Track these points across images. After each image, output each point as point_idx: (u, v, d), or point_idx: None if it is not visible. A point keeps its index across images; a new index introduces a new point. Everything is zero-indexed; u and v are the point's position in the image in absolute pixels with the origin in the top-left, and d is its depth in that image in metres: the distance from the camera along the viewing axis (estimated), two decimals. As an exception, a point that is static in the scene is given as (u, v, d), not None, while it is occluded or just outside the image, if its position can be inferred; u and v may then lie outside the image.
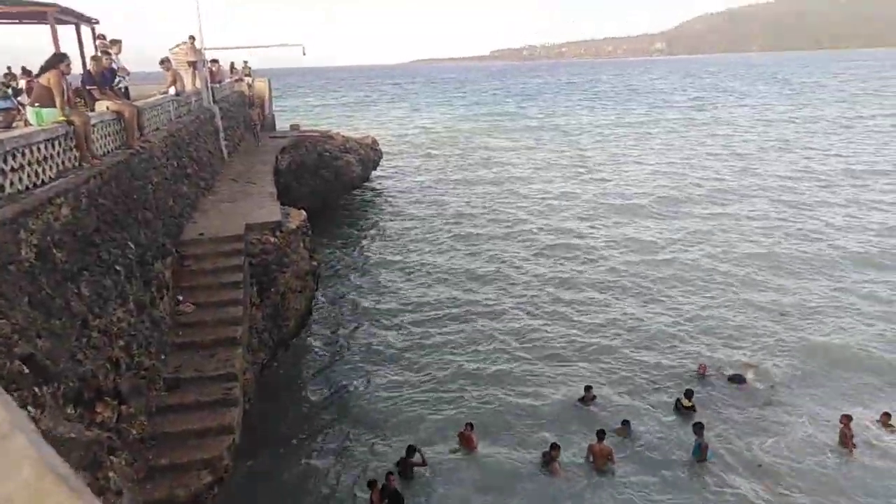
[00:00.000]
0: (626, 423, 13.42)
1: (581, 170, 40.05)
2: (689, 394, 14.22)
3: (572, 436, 13.38)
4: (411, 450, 12.42)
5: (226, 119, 25.11)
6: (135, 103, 14.38)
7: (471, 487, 12.00)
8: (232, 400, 10.24)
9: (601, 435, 12.64)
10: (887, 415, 13.53)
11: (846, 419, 12.94)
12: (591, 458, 12.50)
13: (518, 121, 62.69)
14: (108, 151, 12.25)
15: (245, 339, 12.21)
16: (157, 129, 16.27)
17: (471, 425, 13.16)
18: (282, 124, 37.95)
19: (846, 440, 12.73)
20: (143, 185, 12.67)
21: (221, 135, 23.86)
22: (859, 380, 15.33)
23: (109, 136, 12.50)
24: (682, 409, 14.07)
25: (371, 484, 11.50)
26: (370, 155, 35.86)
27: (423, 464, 12.31)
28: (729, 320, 18.61)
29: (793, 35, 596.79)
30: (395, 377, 16.11)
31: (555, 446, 12.48)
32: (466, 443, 13.00)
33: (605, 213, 30.26)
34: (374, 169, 37.48)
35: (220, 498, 9.31)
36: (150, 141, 14.15)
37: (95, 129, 11.56)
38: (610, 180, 37.01)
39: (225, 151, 24.11)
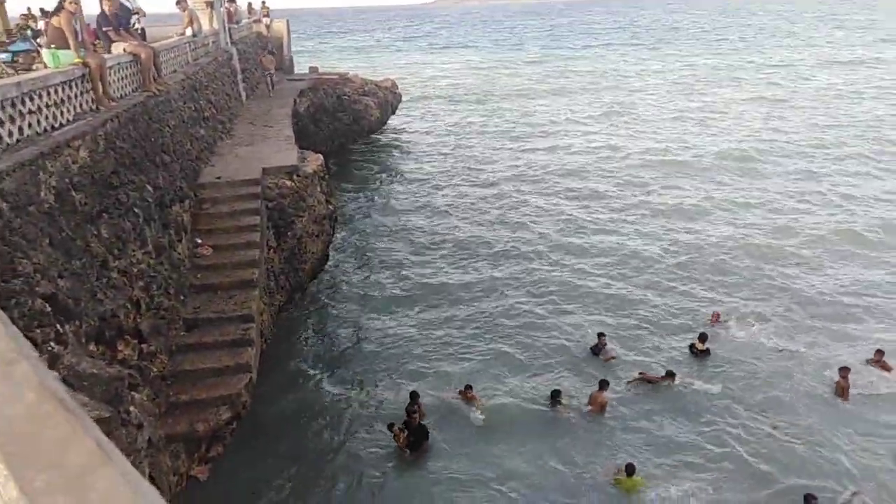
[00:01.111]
0: (670, 373, 13.46)
1: (616, 122, 38.23)
2: (702, 337, 14.50)
3: (584, 384, 13.61)
4: (414, 396, 12.74)
5: (243, 61, 24.90)
6: (151, 45, 14.31)
7: (475, 429, 12.37)
8: (249, 340, 10.56)
9: (603, 385, 12.90)
10: (880, 352, 13.74)
11: (844, 371, 13.07)
12: (590, 404, 12.79)
13: (546, 64, 61.07)
14: (125, 94, 12.29)
15: (262, 282, 12.47)
16: (174, 71, 16.22)
17: (469, 387, 13.09)
18: (300, 67, 37.52)
19: (843, 392, 12.88)
20: (161, 128, 12.74)
21: (239, 77, 23.71)
22: (859, 325, 15.32)
23: (126, 78, 12.51)
24: (697, 352, 14.38)
25: (390, 426, 11.86)
26: (389, 98, 35.43)
27: (422, 415, 12.36)
28: (740, 272, 18.48)
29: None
30: (411, 323, 16.38)
31: (556, 392, 12.85)
32: (468, 400, 13.04)
33: (634, 169, 29.29)
34: (394, 113, 37.10)
35: (237, 433, 9.73)
36: (166, 83, 14.13)
37: (112, 72, 11.57)
38: (644, 132, 35.95)
39: (243, 94, 24.01)
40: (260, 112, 22.70)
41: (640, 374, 13.62)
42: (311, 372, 14.56)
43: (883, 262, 18.83)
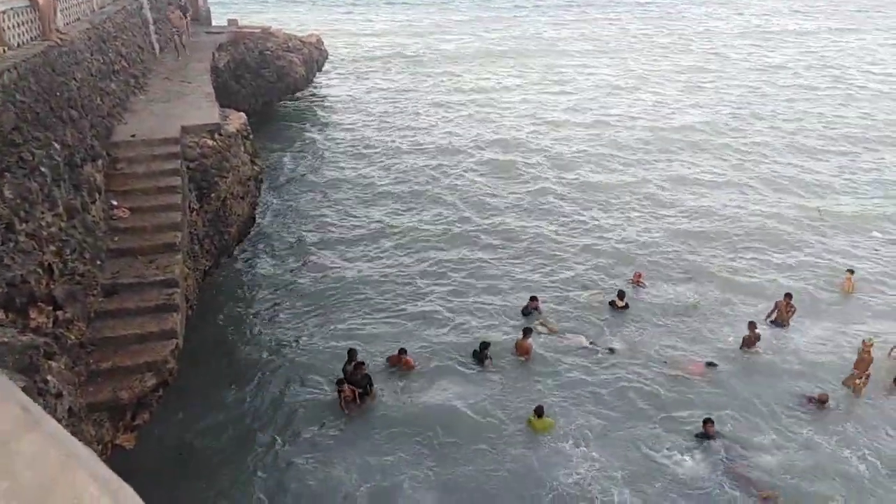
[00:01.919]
0: (610, 349, 14.03)
1: (545, 90, 37.26)
2: (621, 294, 15.40)
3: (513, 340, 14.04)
4: (352, 353, 12.76)
5: (155, 11, 23.34)
6: (50, -10, 13.14)
7: (410, 389, 12.64)
8: (173, 305, 10.18)
9: (526, 332, 13.71)
10: (788, 299, 14.80)
11: (752, 325, 14.06)
12: (516, 352, 13.64)
13: (475, 25, 60.17)
14: (23, 43, 11.31)
15: (185, 245, 11.99)
16: (78, 19, 15.04)
17: (404, 350, 13.23)
18: (217, 20, 35.55)
19: (750, 342, 13.88)
20: (66, 81, 11.83)
21: (152, 28, 22.26)
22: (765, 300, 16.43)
23: (23, 25, 11.50)
24: (616, 308, 15.24)
25: (339, 384, 11.98)
26: (315, 55, 34.17)
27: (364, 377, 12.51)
28: (662, 241, 19.29)
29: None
30: (340, 284, 16.25)
31: (484, 344, 13.39)
32: (401, 364, 13.14)
33: (562, 140, 29.10)
34: (319, 70, 35.92)
35: (164, 400, 9.46)
36: (66, 33, 13.09)
37: (5, 18, 10.61)
38: (574, 102, 36.06)
39: (156, 46, 22.59)
40: (176, 67, 21.46)
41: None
42: (240, 335, 14.27)
43: (796, 244, 19.76)
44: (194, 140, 14.25)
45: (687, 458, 11.03)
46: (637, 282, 16.39)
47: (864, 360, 12.82)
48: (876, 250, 18.27)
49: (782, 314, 14.73)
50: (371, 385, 12.26)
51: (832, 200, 21.39)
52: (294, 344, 14.01)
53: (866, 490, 10.59)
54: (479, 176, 23.39)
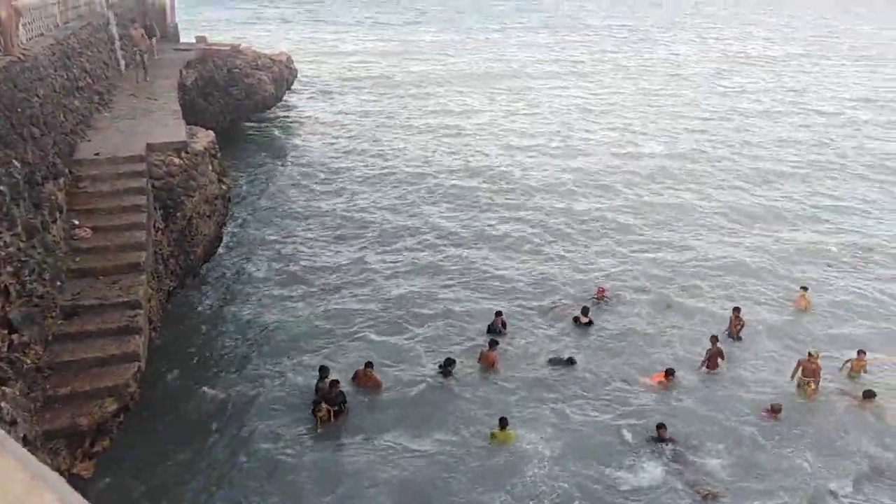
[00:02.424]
0: (570, 360, 14.16)
1: (512, 110, 37.38)
2: (585, 310, 15.64)
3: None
4: (323, 370, 12.68)
5: (122, 27, 23.06)
6: (12, 3, 12.90)
7: (377, 404, 12.65)
8: (136, 327, 9.93)
9: (492, 344, 13.95)
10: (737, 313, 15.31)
11: (714, 339, 14.31)
12: (480, 361, 13.86)
13: (447, 47, 60.70)
14: (-17, 58, 11.04)
15: (150, 266, 11.74)
16: (41, 34, 14.77)
17: (370, 364, 13.13)
18: (187, 37, 35.25)
19: (713, 357, 14.11)
20: (28, 97, 11.57)
21: (117, 44, 21.98)
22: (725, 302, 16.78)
23: (-16, 40, 11.23)
24: (580, 324, 15.50)
25: (316, 406, 11.93)
26: (284, 73, 34.12)
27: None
28: (619, 253, 19.65)
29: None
30: (308, 304, 16.08)
31: (449, 361, 13.48)
32: (367, 382, 13.04)
33: (531, 159, 28.97)
34: (289, 88, 35.84)
35: (126, 426, 9.18)
36: (29, 49, 12.83)
37: (-34, 32, 10.35)
38: (541, 117, 36.59)
39: (122, 63, 22.29)
40: (142, 84, 21.18)
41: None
42: (205, 358, 13.99)
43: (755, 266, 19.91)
44: (160, 158, 14.03)
45: (642, 462, 11.29)
46: (600, 297, 16.65)
47: (811, 370, 13.25)
48: (831, 271, 18.77)
49: (732, 328, 15.17)
50: (345, 402, 12.25)
51: (791, 226, 21.95)
52: (262, 363, 13.79)
53: (810, 490, 10.85)
54: (445, 201, 23.24)
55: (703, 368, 14.05)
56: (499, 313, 15.33)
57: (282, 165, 26.79)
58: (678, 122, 35.04)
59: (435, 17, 77.10)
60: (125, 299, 10.38)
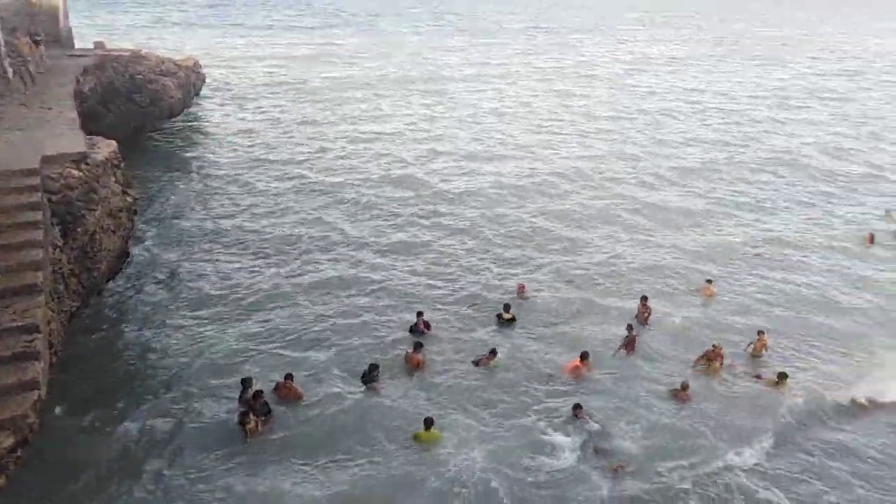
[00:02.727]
0: (493, 351, 14.38)
1: (429, 114, 37.55)
2: (507, 307, 16.00)
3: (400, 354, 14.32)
4: (246, 382, 12.43)
5: (7, 32, 21.48)
6: None
7: (301, 414, 12.43)
8: (34, 353, 9.26)
9: (417, 346, 14.07)
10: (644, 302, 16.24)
11: (629, 327, 15.31)
12: (406, 366, 13.93)
13: (361, 51, 60.06)
14: None
15: (48, 286, 10.98)
16: (-86, 40, 13.54)
17: (290, 376, 12.94)
18: (83, 42, 33.29)
19: (630, 342, 14.97)
20: None
21: (3, 51, 20.45)
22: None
23: None
24: (503, 321, 15.83)
25: (243, 417, 11.66)
26: (192, 79, 32.82)
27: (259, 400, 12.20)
28: (532, 251, 20.22)
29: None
30: (221, 320, 15.53)
31: (373, 366, 13.43)
32: (288, 394, 12.79)
33: (446, 159, 29.50)
34: (197, 95, 34.53)
35: (24, 461, 8.54)
36: None
37: None
38: (460, 122, 36.84)
39: (9, 71, 20.75)
40: (34, 92, 19.81)
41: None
42: (113, 379, 13.23)
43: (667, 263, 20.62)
44: (57, 171, 13.15)
45: (560, 444, 11.84)
46: (521, 294, 17.04)
47: (715, 356, 14.35)
48: (734, 263, 19.90)
49: (640, 315, 16.11)
50: (270, 411, 12.10)
51: (698, 221, 23.10)
52: (176, 380, 13.20)
53: (715, 464, 11.61)
54: (363, 210, 22.86)
55: (621, 351, 14.79)
56: (420, 314, 15.39)
57: (191, 176, 25.69)
58: (591, 123, 36.30)
59: (349, 20, 76.44)
60: (21, 323, 9.65)
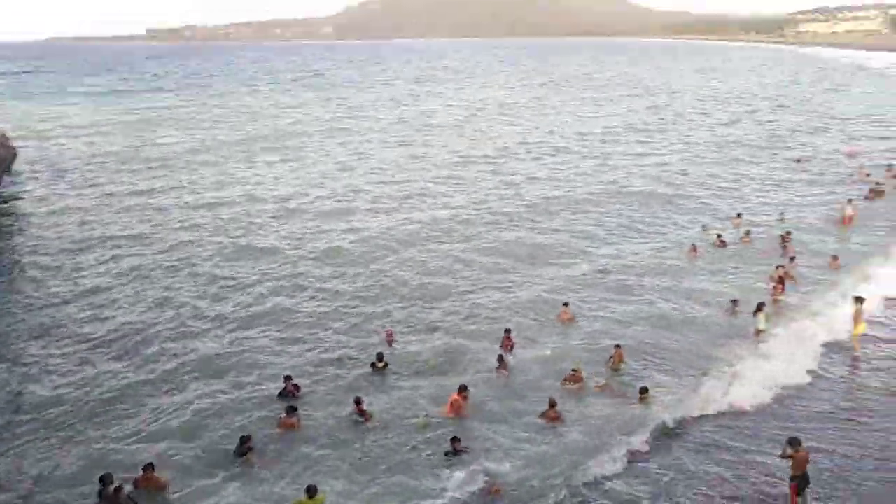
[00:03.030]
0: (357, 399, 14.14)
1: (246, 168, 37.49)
2: (380, 356, 16.07)
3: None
4: (106, 479, 11.15)
5: None
6: None
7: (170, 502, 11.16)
8: None
9: (289, 410, 13.50)
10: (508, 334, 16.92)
11: (500, 358, 15.88)
12: (280, 429, 13.37)
13: (185, 112, 57.56)
14: None
15: None
16: None
17: (150, 466, 11.75)
18: None
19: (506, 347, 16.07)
20: None
21: None
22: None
23: None
24: (377, 369, 15.87)
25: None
26: (0, 153, 29.66)
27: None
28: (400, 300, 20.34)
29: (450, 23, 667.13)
30: (67, 432, 13.68)
31: (244, 438, 12.62)
32: (150, 484, 11.60)
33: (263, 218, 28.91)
34: (7, 172, 31.15)
35: None
36: None
37: None
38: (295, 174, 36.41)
39: None
40: None
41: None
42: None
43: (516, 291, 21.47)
44: None
45: (442, 478, 11.78)
46: (389, 340, 17.22)
47: (576, 379, 15.18)
48: (591, 290, 21.15)
49: (504, 346, 16.75)
50: None
51: (550, 256, 24.39)
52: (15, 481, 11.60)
53: (578, 477, 11.92)
54: (209, 284, 21.48)
55: (496, 375, 15.44)
56: (288, 377, 14.85)
57: (5, 263, 22.77)
58: (438, 171, 37.52)
59: (180, 81, 73.63)
60: None
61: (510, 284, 21.53)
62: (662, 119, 59.09)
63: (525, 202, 31.33)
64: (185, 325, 18.40)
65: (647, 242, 25.72)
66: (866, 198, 30.07)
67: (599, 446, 12.80)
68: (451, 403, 14.05)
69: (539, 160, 40.65)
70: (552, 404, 13.84)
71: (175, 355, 16.73)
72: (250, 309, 19.51)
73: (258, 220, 28.07)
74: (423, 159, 40.17)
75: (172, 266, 22.78)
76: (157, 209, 29.55)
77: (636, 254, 24.30)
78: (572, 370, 15.30)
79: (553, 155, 42.16)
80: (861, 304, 16.52)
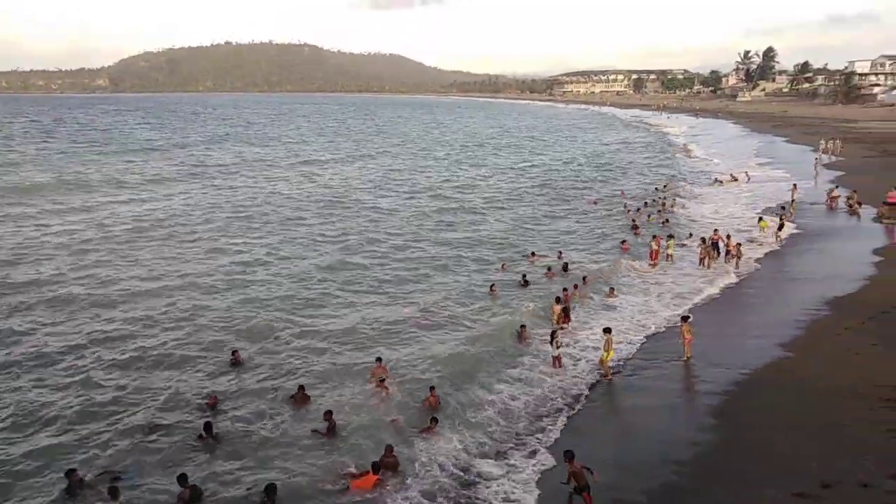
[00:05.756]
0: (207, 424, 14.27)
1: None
2: (207, 425, 14.85)
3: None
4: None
5: None
6: None
7: None
8: None
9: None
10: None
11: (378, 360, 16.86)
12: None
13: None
14: None
15: None
16: None
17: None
18: None
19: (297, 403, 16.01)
20: None
21: None
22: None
23: None
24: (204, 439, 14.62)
25: None
26: None
27: None
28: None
29: (234, 77, 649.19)
30: None
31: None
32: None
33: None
34: None
35: None
36: None
37: None
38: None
39: None
40: None
41: None
42: None
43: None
44: None
45: None
46: (211, 405, 16.09)
47: (379, 373, 16.51)
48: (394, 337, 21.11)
49: (297, 403, 16.23)
50: None
51: (349, 304, 23.95)
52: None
53: None
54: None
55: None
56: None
57: None
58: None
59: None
60: None
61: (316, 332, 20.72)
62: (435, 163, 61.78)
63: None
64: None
65: (456, 286, 26.24)
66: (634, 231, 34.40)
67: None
68: (367, 485, 12.80)
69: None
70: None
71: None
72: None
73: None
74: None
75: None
76: None
77: (448, 297, 24.66)
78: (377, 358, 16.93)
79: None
80: (610, 333, 18.18)
